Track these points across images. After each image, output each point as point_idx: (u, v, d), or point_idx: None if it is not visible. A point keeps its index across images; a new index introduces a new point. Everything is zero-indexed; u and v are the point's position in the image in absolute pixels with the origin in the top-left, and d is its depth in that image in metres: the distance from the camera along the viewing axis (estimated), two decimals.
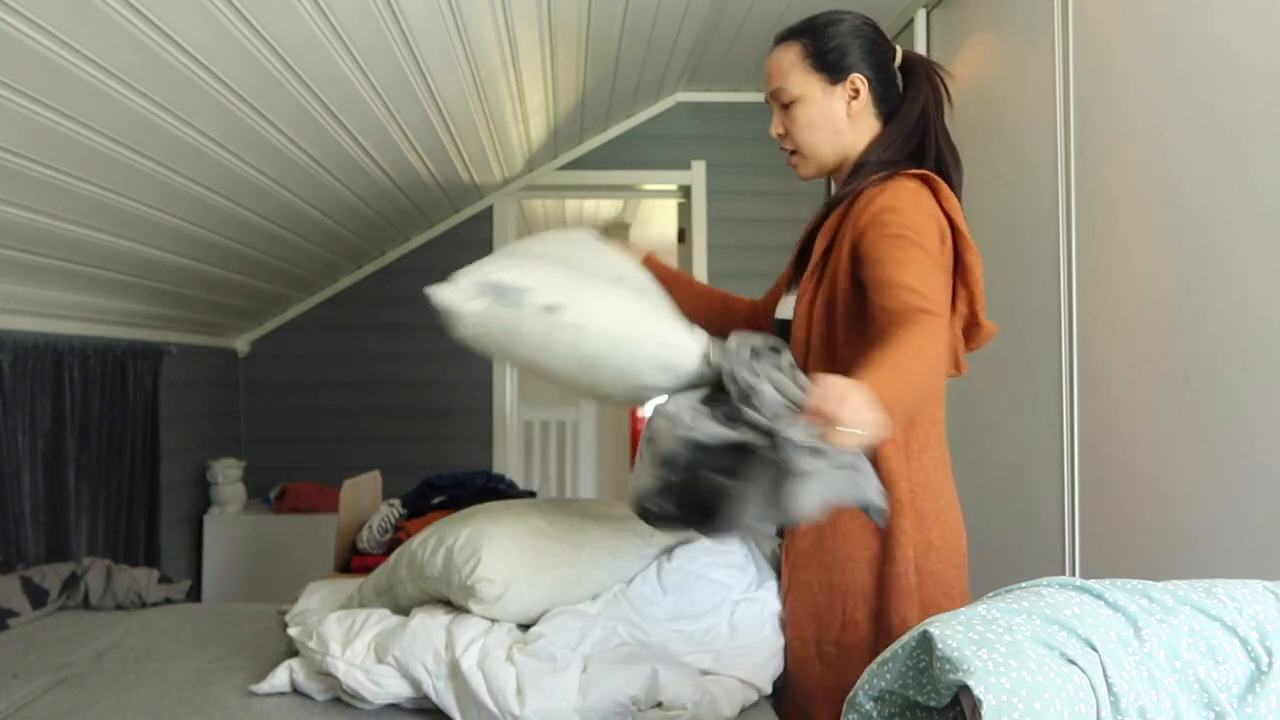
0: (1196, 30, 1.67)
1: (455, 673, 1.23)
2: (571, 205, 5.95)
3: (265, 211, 2.57)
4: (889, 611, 1.27)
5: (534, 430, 5.33)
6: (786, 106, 1.40)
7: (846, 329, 1.31)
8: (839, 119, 1.38)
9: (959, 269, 1.32)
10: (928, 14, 2.89)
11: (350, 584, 1.70)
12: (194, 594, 3.37)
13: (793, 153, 1.44)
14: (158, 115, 1.77)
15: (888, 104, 1.41)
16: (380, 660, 1.29)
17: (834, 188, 1.49)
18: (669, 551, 1.38)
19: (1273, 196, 1.48)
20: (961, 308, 1.36)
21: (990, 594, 0.96)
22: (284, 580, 3.08)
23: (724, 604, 1.34)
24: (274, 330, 3.86)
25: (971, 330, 1.39)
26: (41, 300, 2.30)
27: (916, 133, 1.37)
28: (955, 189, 1.35)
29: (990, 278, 2.48)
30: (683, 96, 3.92)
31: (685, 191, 4.03)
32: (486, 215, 3.93)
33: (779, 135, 1.44)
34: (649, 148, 3.94)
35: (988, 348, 2.50)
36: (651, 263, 1.60)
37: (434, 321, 3.82)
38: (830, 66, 1.38)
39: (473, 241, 3.92)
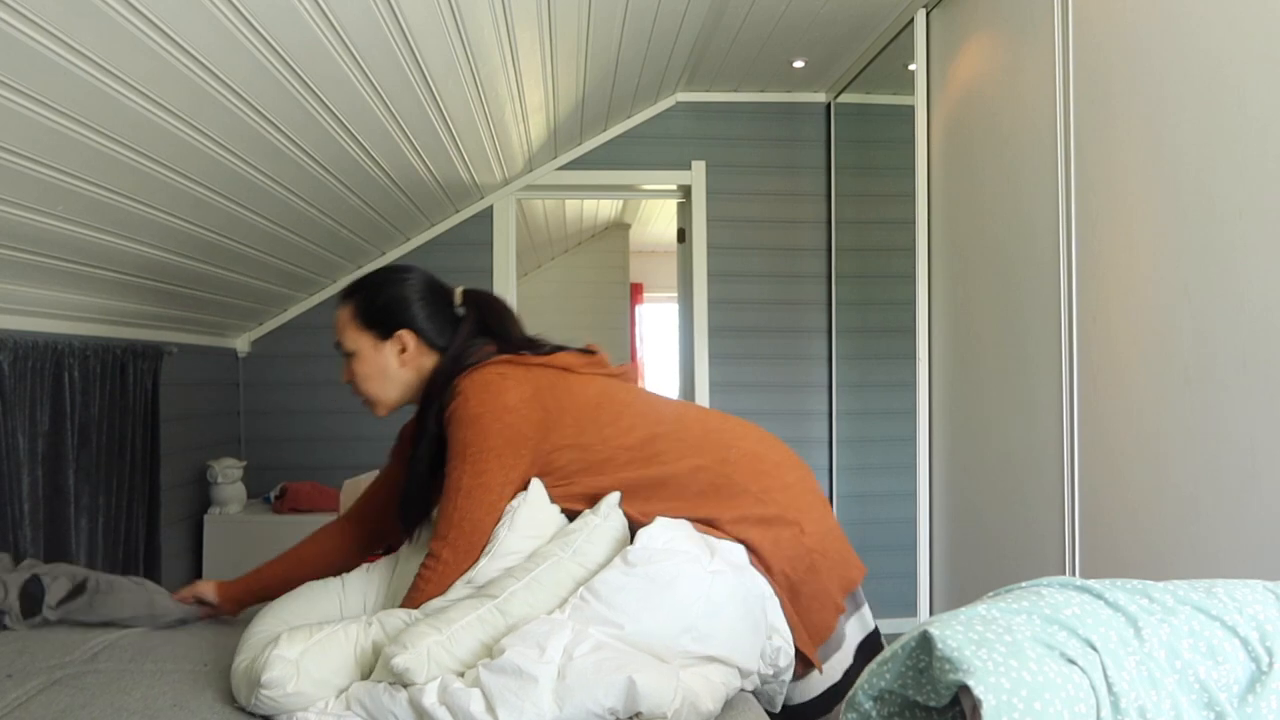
0: (1195, 30, 1.67)
1: (421, 714, 1.21)
2: (571, 205, 5.94)
3: (265, 211, 2.57)
4: None
5: None
6: (348, 357, 1.56)
7: None
8: (391, 369, 1.54)
9: (570, 399, 1.49)
10: (928, 14, 2.89)
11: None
12: None
13: (363, 398, 1.58)
14: (159, 116, 1.77)
15: (445, 336, 1.55)
16: (349, 709, 1.28)
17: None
18: (630, 540, 1.38)
19: (1272, 196, 1.48)
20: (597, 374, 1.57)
21: (990, 594, 0.96)
22: None
23: (699, 574, 1.33)
24: (274, 330, 3.86)
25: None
26: (41, 300, 2.30)
27: (477, 343, 1.53)
28: (523, 346, 1.54)
29: (990, 277, 2.48)
30: (683, 96, 3.92)
31: (685, 191, 4.04)
32: (487, 215, 3.93)
33: (348, 382, 1.58)
34: (649, 148, 3.94)
35: (988, 346, 2.49)
36: (234, 585, 1.72)
37: None
38: (377, 326, 1.53)
39: (473, 242, 3.92)
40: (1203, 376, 1.64)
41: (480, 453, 1.41)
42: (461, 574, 1.40)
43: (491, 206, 3.93)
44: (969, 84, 2.64)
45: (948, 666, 0.81)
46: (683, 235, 4.17)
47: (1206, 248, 1.63)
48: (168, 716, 1.30)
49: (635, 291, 7.57)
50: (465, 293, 1.60)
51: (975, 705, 0.77)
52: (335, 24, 1.81)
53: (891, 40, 3.14)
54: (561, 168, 3.92)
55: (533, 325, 1.64)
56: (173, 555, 3.20)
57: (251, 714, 1.31)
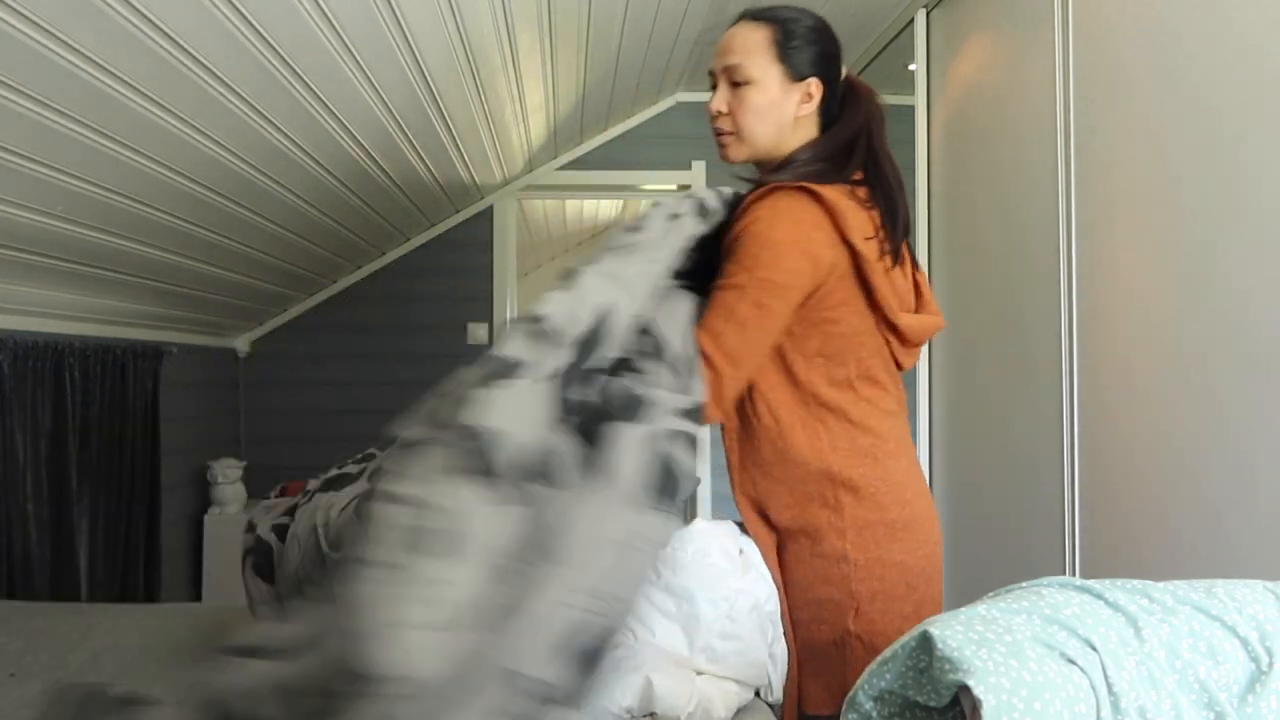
0: (1197, 30, 1.67)
1: None
2: (571, 205, 5.94)
3: (265, 211, 2.57)
4: None
5: None
6: (737, 85, 1.34)
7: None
8: (786, 115, 1.34)
9: (866, 290, 1.31)
10: (928, 14, 2.89)
11: None
12: (194, 594, 3.38)
13: (728, 133, 1.37)
14: (158, 115, 1.77)
15: (828, 115, 1.38)
16: None
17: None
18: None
19: (1273, 196, 1.48)
20: (881, 321, 1.34)
21: (990, 594, 0.96)
22: None
23: (722, 593, 1.31)
24: (274, 330, 3.86)
25: (896, 334, 1.36)
26: (41, 300, 2.30)
27: (848, 146, 1.35)
28: (891, 209, 1.33)
29: (990, 277, 2.48)
30: (683, 96, 3.92)
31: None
32: (487, 215, 3.93)
33: (720, 112, 1.36)
34: (649, 148, 3.94)
35: (988, 346, 2.49)
36: None
37: (434, 321, 3.85)
38: (795, 63, 1.33)
39: (473, 241, 3.93)
40: (1203, 376, 1.64)
41: (769, 285, 1.23)
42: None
43: (491, 206, 3.93)
44: (969, 84, 2.64)
45: (948, 666, 0.81)
46: None
47: (1207, 247, 1.63)
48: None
49: None
50: (849, 76, 1.40)
51: (975, 705, 0.77)
52: (335, 24, 1.81)
53: (891, 40, 3.14)
54: (561, 168, 3.92)
55: None
56: (173, 555, 3.21)
57: None
